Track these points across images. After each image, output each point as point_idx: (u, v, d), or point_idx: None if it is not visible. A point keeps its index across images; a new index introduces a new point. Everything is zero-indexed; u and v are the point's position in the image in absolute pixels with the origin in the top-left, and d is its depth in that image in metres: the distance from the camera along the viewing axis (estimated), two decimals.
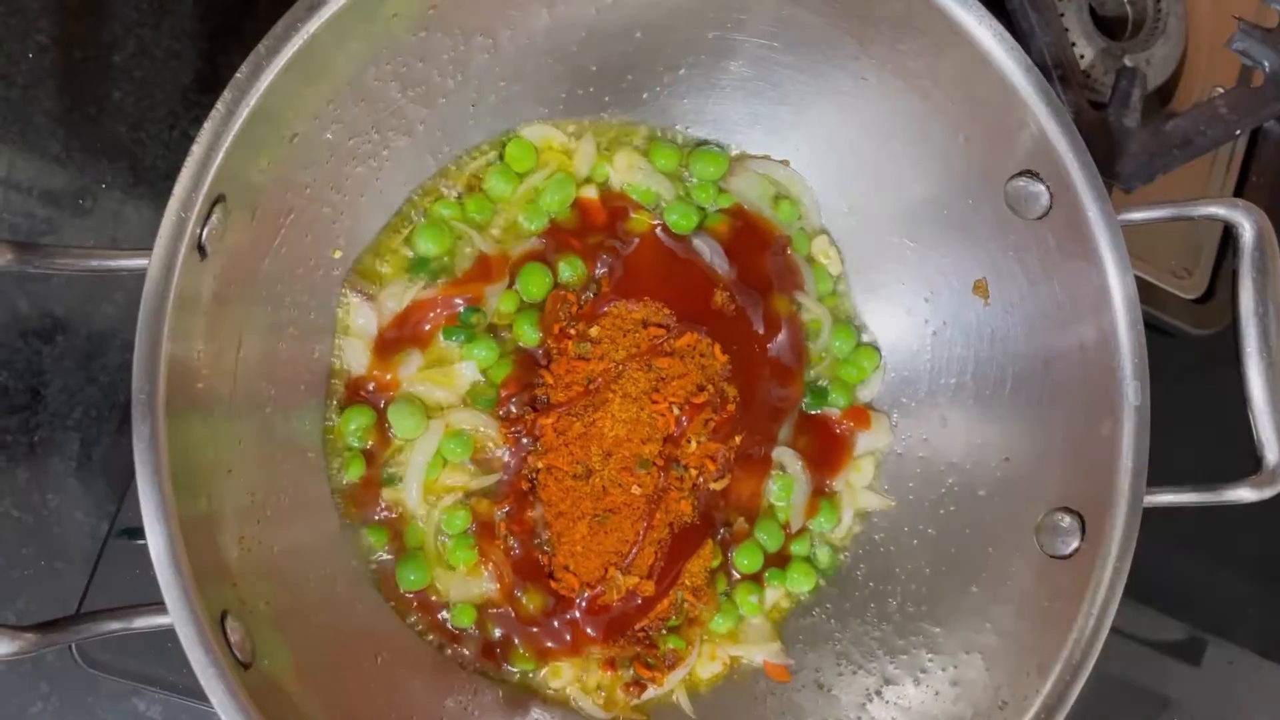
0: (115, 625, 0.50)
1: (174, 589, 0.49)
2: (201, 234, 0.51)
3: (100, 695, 0.72)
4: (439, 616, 0.67)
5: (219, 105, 0.51)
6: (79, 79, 0.76)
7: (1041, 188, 0.61)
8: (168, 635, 0.70)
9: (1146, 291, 0.76)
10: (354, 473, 0.65)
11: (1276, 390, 0.59)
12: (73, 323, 0.74)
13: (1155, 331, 0.85)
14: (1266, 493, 0.59)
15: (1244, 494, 0.60)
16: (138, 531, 0.72)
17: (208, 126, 0.51)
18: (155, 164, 0.77)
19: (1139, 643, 0.86)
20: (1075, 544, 0.61)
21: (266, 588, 0.57)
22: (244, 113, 0.51)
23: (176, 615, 0.49)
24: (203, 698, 0.70)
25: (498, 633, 0.67)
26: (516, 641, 0.67)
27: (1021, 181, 0.62)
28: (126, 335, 0.76)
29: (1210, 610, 0.89)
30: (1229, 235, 0.88)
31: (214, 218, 0.52)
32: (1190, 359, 0.88)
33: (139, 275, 0.50)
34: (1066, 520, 0.62)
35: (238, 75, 0.52)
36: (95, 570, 0.71)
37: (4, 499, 0.71)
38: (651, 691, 0.68)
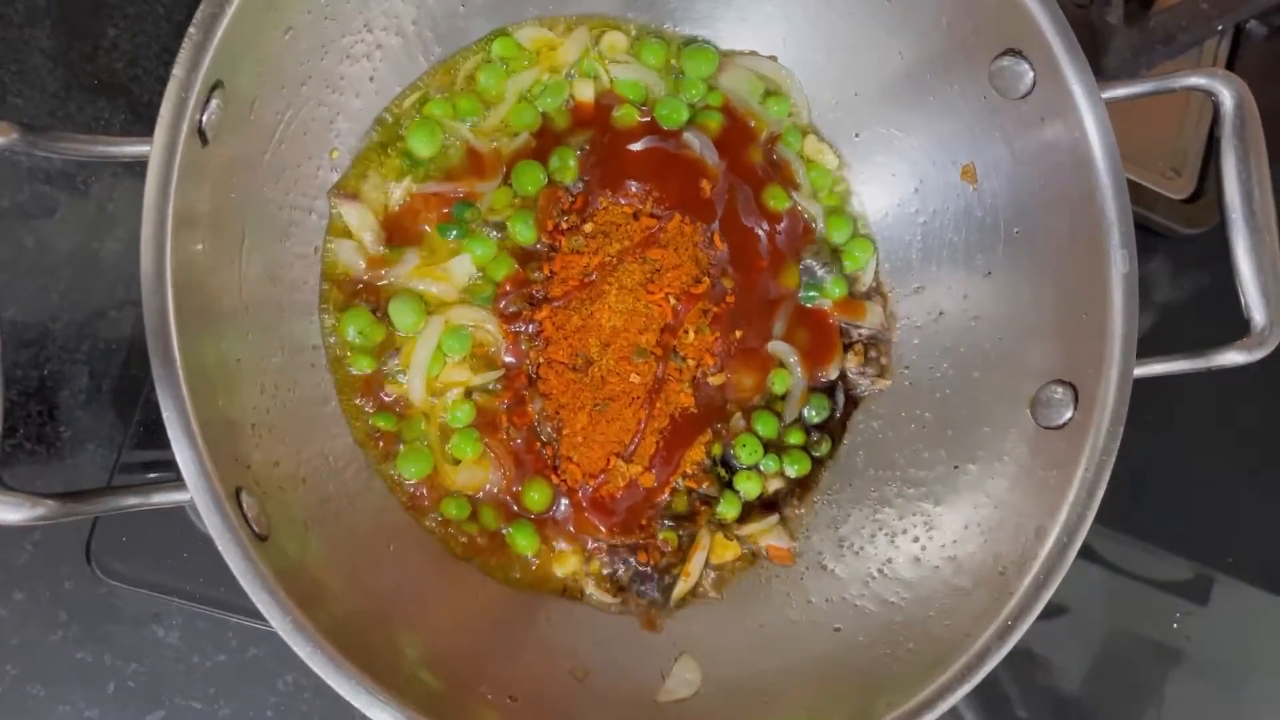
0: (133, 500, 0.51)
1: (190, 460, 0.50)
2: (201, 119, 0.53)
3: (119, 622, 0.72)
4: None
5: None
6: (74, 17, 0.77)
7: (1025, 66, 0.62)
8: (186, 545, 0.72)
9: (1136, 193, 0.76)
10: (361, 367, 0.67)
11: (1261, 254, 0.60)
12: (78, 259, 0.75)
13: (1146, 232, 0.86)
14: (1256, 355, 0.60)
15: (1233, 357, 0.60)
16: (152, 464, 0.73)
17: (203, 8, 0.52)
18: (152, 100, 0.76)
19: (1144, 583, 0.86)
20: (1069, 414, 0.62)
21: (281, 475, 0.58)
22: None
23: (193, 485, 0.50)
24: (222, 606, 0.71)
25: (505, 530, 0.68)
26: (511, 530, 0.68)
27: (1005, 61, 0.63)
28: (131, 270, 0.76)
29: (1216, 544, 0.88)
30: (1215, 135, 0.88)
31: (213, 103, 0.53)
32: (1181, 258, 0.89)
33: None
34: (1059, 392, 0.63)
35: None
36: None
37: (17, 432, 0.72)
38: (683, 586, 0.68)
